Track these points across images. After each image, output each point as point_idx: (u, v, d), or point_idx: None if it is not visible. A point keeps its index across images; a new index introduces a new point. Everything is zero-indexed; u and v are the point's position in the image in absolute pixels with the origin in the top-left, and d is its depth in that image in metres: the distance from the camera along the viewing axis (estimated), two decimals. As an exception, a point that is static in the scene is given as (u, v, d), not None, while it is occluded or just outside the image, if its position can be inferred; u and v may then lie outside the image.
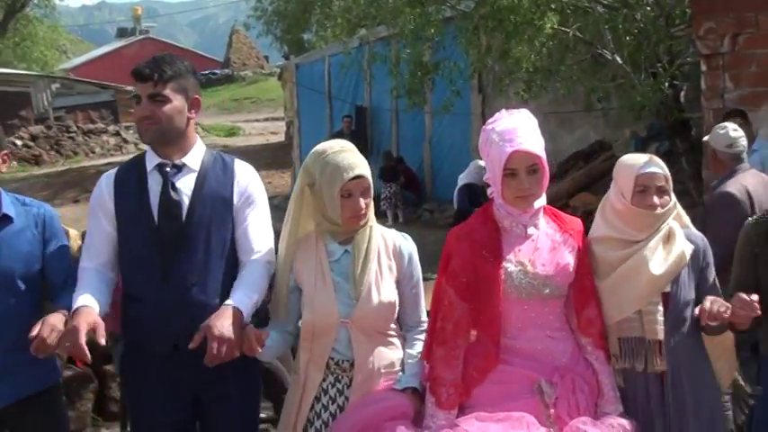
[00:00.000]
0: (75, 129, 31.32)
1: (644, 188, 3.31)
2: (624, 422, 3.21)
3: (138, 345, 3.46)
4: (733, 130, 5.20)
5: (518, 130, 3.15)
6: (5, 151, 3.57)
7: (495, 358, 3.20)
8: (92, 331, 3.14)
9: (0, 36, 37.80)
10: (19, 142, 28.81)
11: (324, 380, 3.37)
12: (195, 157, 3.50)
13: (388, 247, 3.44)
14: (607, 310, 3.34)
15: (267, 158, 24.60)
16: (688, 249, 3.34)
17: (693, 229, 3.49)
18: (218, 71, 56.64)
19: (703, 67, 7.09)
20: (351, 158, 3.34)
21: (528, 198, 3.20)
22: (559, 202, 10.50)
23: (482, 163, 11.36)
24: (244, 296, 3.31)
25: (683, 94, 10.36)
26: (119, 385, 5.66)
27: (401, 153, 17.53)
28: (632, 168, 3.35)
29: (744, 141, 5.23)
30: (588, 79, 10.42)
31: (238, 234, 3.47)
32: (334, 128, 18.69)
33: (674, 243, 3.32)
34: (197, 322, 3.26)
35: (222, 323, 3.17)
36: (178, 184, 3.42)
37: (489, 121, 3.24)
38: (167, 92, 3.39)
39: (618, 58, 9.56)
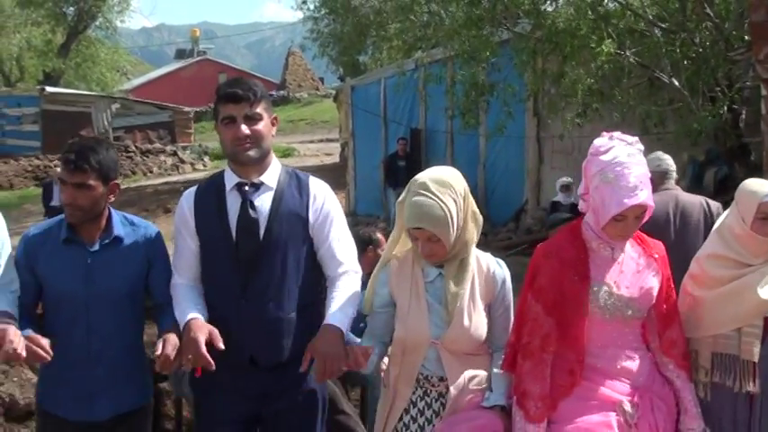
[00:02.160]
0: (133, 149, 31.76)
1: (766, 215, 3.36)
2: None
3: (213, 357, 3.47)
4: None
5: (635, 177, 3.17)
6: (116, 180, 3.65)
7: (580, 374, 3.25)
8: (209, 339, 3.29)
9: (62, 57, 38.60)
10: (79, 161, 29.23)
11: (413, 393, 3.45)
12: (272, 175, 3.58)
13: (482, 272, 3.48)
14: (706, 321, 3.40)
15: (322, 179, 24.65)
16: None
17: None
18: (273, 93, 57.07)
19: (763, 92, 6.99)
20: (421, 208, 3.31)
21: (627, 237, 3.30)
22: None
23: (561, 181, 11.34)
24: (341, 314, 3.42)
25: (741, 118, 10.23)
26: (173, 403, 5.71)
27: (455, 176, 17.35)
28: (756, 195, 3.39)
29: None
30: (644, 103, 10.34)
31: (323, 252, 3.57)
32: (389, 150, 18.71)
33: None
34: (273, 336, 3.45)
35: (324, 342, 3.29)
36: (256, 203, 3.52)
37: (600, 148, 3.27)
38: (260, 110, 3.50)
39: (675, 82, 9.47)
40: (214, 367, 3.28)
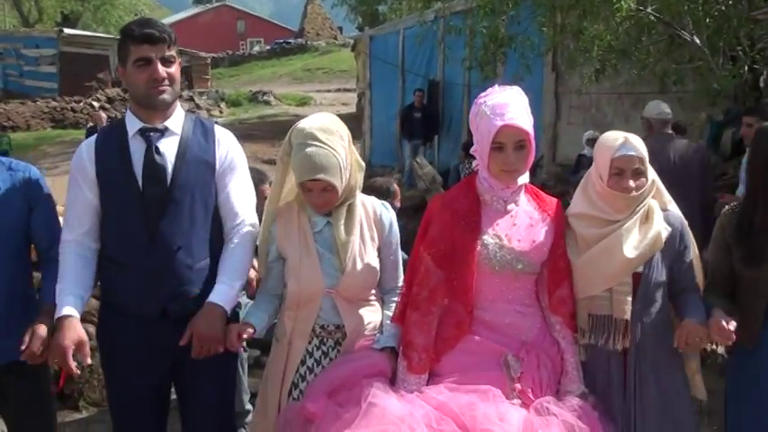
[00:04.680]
0: (149, 93, 31.72)
1: (619, 171, 3.37)
2: (585, 404, 3.27)
3: (122, 309, 3.47)
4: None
5: (509, 105, 3.21)
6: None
7: (468, 327, 3.27)
8: (77, 350, 3.24)
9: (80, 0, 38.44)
10: (96, 104, 29.32)
11: (309, 343, 3.46)
12: (177, 120, 3.49)
13: (369, 217, 3.52)
14: (579, 285, 3.42)
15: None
16: (665, 232, 3.41)
17: (673, 210, 3.53)
18: (291, 41, 56.90)
19: (784, 52, 6.94)
20: (316, 158, 3.31)
21: (512, 173, 3.27)
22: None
23: (587, 135, 11.44)
24: (227, 287, 3.39)
25: (762, 79, 10.14)
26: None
27: (473, 129, 17.32)
28: (609, 151, 3.40)
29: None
30: (663, 61, 10.25)
31: (221, 200, 3.51)
32: (406, 101, 18.63)
33: (651, 225, 3.39)
34: (184, 285, 3.39)
35: (206, 324, 3.28)
36: (161, 148, 3.42)
37: (482, 94, 3.31)
38: (174, 53, 3.41)
39: (697, 40, 9.38)
40: (78, 373, 3.28)
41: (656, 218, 3.41)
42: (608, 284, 3.39)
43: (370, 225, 3.52)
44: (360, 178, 3.52)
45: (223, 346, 3.30)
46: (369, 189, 6.69)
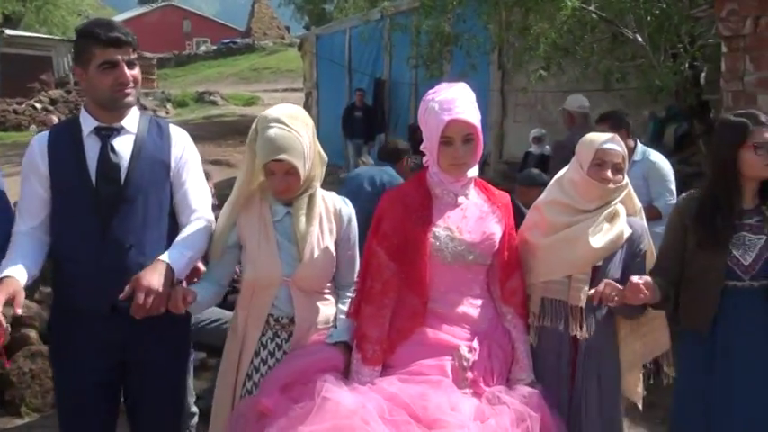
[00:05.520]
0: (94, 94, 31.35)
1: (601, 162, 3.53)
2: (535, 392, 3.36)
3: (72, 306, 3.46)
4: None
5: (456, 100, 3.29)
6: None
7: (422, 318, 3.33)
8: (10, 300, 3.15)
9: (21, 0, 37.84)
10: (39, 106, 28.88)
11: (263, 335, 3.49)
12: (132, 120, 3.51)
13: (329, 210, 3.57)
14: (540, 267, 3.55)
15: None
16: (627, 232, 3.54)
17: (639, 218, 3.71)
18: (238, 40, 56.57)
19: (724, 49, 6.99)
20: (280, 140, 3.37)
21: (461, 166, 3.36)
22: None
23: (534, 132, 11.71)
24: (178, 253, 3.38)
25: (702, 75, 10.27)
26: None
27: (419, 127, 17.35)
28: (594, 143, 3.56)
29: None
30: (607, 59, 10.35)
31: (178, 198, 3.53)
32: (354, 100, 18.66)
33: (616, 223, 3.53)
34: None
35: (152, 275, 3.22)
36: (116, 147, 3.43)
37: (430, 91, 3.39)
38: (136, 55, 3.45)
39: (639, 38, 9.48)
40: (4, 326, 3.15)
41: (621, 218, 3.57)
42: (569, 271, 3.52)
43: (330, 219, 3.58)
44: (321, 171, 3.59)
45: (166, 305, 3.24)
46: (383, 153, 7.01)
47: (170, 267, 3.30)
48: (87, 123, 3.46)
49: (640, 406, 3.84)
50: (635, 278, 3.40)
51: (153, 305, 3.19)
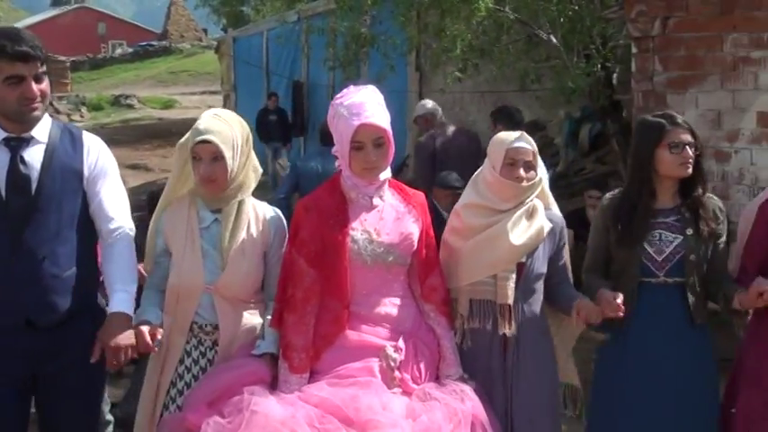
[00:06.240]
0: (5, 98, 30.62)
1: (513, 161, 3.57)
2: (465, 387, 3.40)
3: None
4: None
5: (365, 104, 3.30)
6: None
7: (345, 322, 3.34)
8: None
9: (-71, 1, 36.83)
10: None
11: (187, 342, 3.47)
12: (43, 129, 3.44)
13: (258, 219, 3.54)
14: (464, 271, 3.58)
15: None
16: (547, 226, 3.60)
17: (555, 211, 3.78)
18: (155, 43, 55.87)
19: (634, 50, 7.13)
20: (206, 124, 3.38)
21: (374, 170, 3.37)
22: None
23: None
24: (124, 294, 3.39)
25: (614, 76, 10.45)
26: None
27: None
28: (504, 143, 3.60)
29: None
30: (522, 60, 10.45)
31: (95, 206, 3.49)
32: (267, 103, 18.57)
33: (535, 219, 3.59)
34: (50, 295, 3.32)
35: (115, 333, 3.27)
36: (26, 158, 3.36)
37: (337, 96, 3.41)
38: (45, 69, 3.36)
39: (553, 39, 9.59)
40: None
41: (539, 213, 3.61)
42: (493, 270, 3.55)
43: (259, 228, 3.55)
44: (254, 180, 3.58)
45: (135, 349, 3.30)
46: (326, 136, 7.19)
47: (126, 315, 3.34)
48: None
49: (578, 383, 3.91)
50: (610, 296, 3.49)
51: (126, 357, 3.29)
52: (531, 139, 3.65)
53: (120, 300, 3.39)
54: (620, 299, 3.46)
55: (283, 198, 7.29)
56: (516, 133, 3.66)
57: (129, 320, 3.35)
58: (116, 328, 3.31)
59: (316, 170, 7.06)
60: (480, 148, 8.13)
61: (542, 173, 3.73)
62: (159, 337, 3.34)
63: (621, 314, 3.46)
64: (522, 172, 3.56)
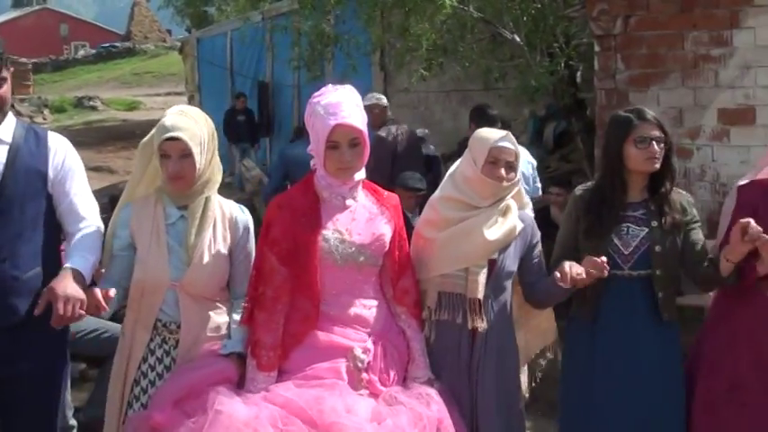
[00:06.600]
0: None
1: (495, 160, 3.58)
2: (431, 391, 3.41)
3: None
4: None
5: (342, 104, 3.30)
6: None
7: (314, 322, 3.33)
8: None
9: None
10: None
11: (151, 340, 3.43)
12: (6, 129, 3.42)
13: (225, 217, 3.53)
14: (435, 261, 3.60)
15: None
16: (519, 225, 3.63)
17: (527, 211, 3.84)
18: (118, 44, 55.47)
19: (597, 48, 7.19)
20: (173, 121, 3.36)
21: (348, 170, 3.38)
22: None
23: (417, 133, 11.92)
24: (81, 258, 3.31)
25: (578, 74, 10.51)
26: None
27: (304, 129, 17.27)
28: (488, 141, 3.61)
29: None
30: (486, 59, 10.49)
31: (63, 208, 3.46)
32: (234, 103, 18.50)
33: (508, 217, 3.60)
34: (10, 297, 3.30)
35: (65, 284, 3.15)
36: None
37: (315, 94, 3.39)
38: (6, 74, 3.34)
39: (516, 38, 9.63)
40: None
41: (513, 213, 3.64)
42: (465, 264, 3.56)
43: (225, 226, 3.54)
44: (218, 177, 3.57)
45: (84, 306, 3.18)
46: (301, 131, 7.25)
47: (78, 272, 3.25)
48: None
49: (526, 396, 3.92)
50: (593, 258, 3.46)
51: (74, 312, 3.13)
52: (514, 139, 3.66)
53: (75, 261, 3.32)
54: (603, 259, 3.46)
55: (276, 189, 6.86)
56: (501, 132, 3.67)
57: (80, 275, 3.26)
58: (65, 279, 3.20)
59: (305, 155, 6.84)
60: (422, 153, 8.56)
61: (520, 174, 3.74)
62: (112, 295, 3.24)
63: (606, 273, 3.45)
64: (503, 172, 3.58)
